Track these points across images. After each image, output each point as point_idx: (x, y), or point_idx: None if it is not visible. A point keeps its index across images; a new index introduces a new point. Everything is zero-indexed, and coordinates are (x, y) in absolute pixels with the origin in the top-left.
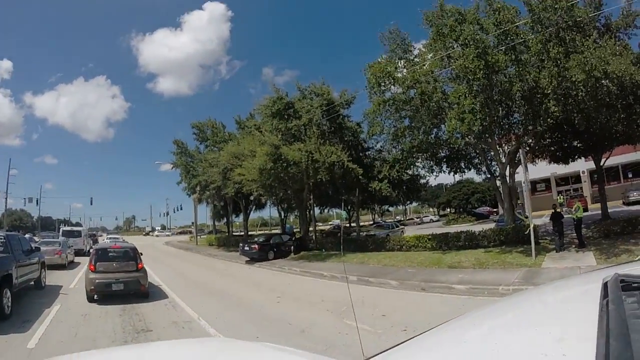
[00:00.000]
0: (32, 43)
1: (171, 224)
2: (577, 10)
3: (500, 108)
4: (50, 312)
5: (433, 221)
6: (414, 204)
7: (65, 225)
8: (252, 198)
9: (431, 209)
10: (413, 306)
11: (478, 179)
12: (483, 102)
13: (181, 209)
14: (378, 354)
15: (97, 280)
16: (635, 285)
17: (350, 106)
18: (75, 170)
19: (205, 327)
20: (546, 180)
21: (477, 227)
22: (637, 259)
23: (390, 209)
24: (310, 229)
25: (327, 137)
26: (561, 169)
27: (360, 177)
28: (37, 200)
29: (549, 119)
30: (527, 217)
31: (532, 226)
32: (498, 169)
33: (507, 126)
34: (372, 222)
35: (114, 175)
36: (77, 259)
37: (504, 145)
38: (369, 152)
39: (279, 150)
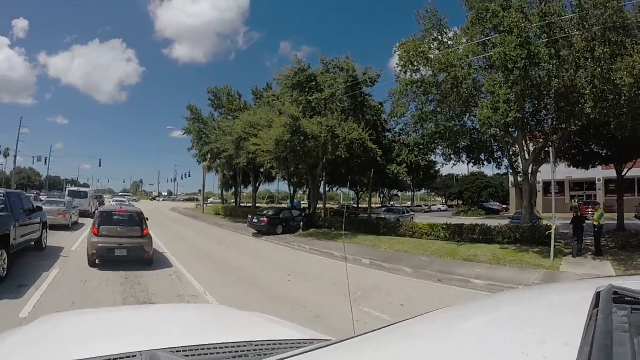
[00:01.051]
0: (49, 3)
1: (178, 191)
2: (628, 13)
3: (535, 102)
4: (48, 277)
5: (441, 210)
6: (422, 191)
7: (72, 186)
8: (262, 170)
9: (438, 198)
10: (431, 298)
11: (490, 173)
12: (519, 93)
13: (189, 175)
14: (366, 333)
15: (99, 245)
16: (628, 299)
17: (374, 84)
18: (86, 131)
19: (213, 304)
20: (560, 184)
21: (488, 222)
22: (636, 273)
23: (399, 194)
24: (320, 206)
25: (348, 114)
26: (576, 174)
27: (379, 158)
28: (46, 160)
29: (581, 121)
30: (541, 218)
31: (554, 227)
32: (521, 165)
33: (534, 123)
34: (379, 206)
35: (125, 138)
36: (82, 220)
37: (528, 142)
38: (388, 134)
39: (298, 123)
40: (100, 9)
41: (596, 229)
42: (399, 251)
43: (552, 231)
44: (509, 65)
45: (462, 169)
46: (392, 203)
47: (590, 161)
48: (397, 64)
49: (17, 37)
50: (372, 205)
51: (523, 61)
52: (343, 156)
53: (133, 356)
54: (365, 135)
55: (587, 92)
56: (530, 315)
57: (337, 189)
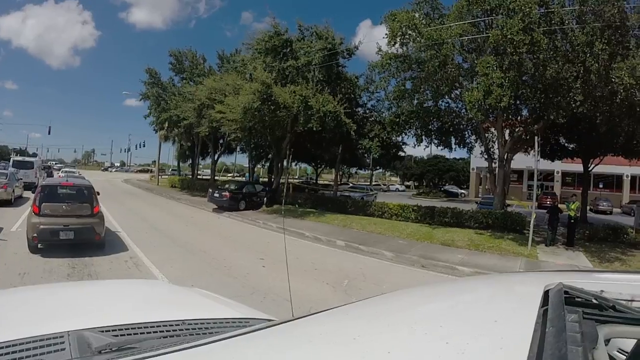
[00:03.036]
0: None
1: (132, 161)
2: (632, 16)
3: (527, 90)
4: None
5: (399, 191)
6: (378, 170)
7: (17, 155)
8: (221, 142)
9: (394, 178)
10: None
11: (450, 156)
12: (512, 78)
13: (144, 146)
14: (304, 316)
15: (41, 226)
16: (579, 300)
17: (351, 56)
18: (36, 97)
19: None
20: (518, 172)
21: (453, 205)
22: (589, 269)
23: (358, 171)
24: (282, 181)
25: (323, 85)
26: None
27: (352, 132)
28: None
29: (567, 113)
30: (509, 205)
31: (534, 216)
32: (497, 151)
33: (513, 110)
34: (340, 183)
35: (77, 105)
36: (27, 194)
37: (505, 129)
38: (360, 109)
39: (269, 90)
40: None
41: (572, 220)
42: (372, 232)
43: (532, 219)
44: (508, 49)
45: (419, 151)
46: (351, 181)
47: (557, 153)
48: (386, 34)
49: None
50: (330, 183)
51: (525, 47)
52: (315, 129)
53: (60, 337)
54: (340, 109)
55: (577, 85)
56: (471, 313)
57: (297, 164)
